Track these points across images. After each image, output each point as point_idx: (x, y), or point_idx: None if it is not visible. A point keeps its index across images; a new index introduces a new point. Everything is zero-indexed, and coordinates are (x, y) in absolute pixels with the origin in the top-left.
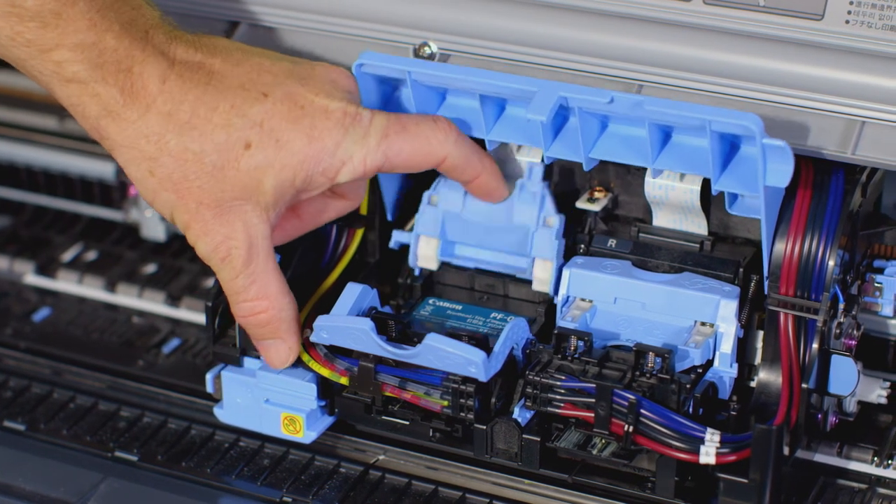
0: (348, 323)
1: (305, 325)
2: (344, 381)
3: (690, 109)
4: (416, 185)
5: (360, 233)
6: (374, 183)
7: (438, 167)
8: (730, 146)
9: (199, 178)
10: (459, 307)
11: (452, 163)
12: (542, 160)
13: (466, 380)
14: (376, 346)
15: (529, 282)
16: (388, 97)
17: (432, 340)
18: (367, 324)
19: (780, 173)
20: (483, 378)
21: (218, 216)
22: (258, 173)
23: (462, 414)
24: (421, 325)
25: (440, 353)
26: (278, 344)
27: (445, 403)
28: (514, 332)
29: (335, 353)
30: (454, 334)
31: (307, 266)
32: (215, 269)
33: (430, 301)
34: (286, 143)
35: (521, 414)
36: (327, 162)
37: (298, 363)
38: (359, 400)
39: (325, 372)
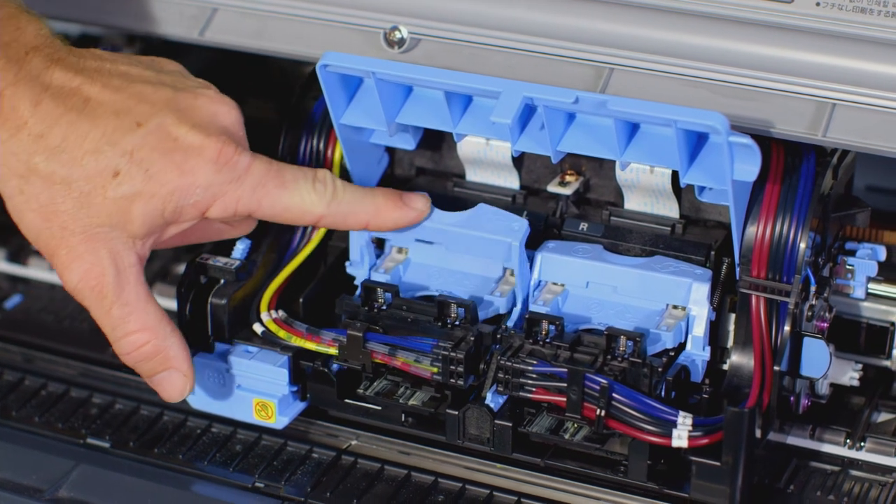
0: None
1: (269, 306)
2: (333, 351)
3: (655, 109)
4: (390, 172)
5: None
6: (344, 171)
7: (316, 224)
8: (697, 137)
9: (66, 203)
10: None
11: (328, 222)
12: (511, 154)
13: (456, 347)
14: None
15: None
16: (353, 92)
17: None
18: None
19: (748, 171)
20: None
21: (84, 242)
22: (125, 202)
23: (452, 380)
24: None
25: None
26: (172, 375)
27: (435, 370)
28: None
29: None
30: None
31: (279, 249)
32: (88, 304)
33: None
34: (155, 174)
35: (493, 399)
36: (198, 195)
37: (276, 341)
38: (330, 384)
39: (311, 346)
